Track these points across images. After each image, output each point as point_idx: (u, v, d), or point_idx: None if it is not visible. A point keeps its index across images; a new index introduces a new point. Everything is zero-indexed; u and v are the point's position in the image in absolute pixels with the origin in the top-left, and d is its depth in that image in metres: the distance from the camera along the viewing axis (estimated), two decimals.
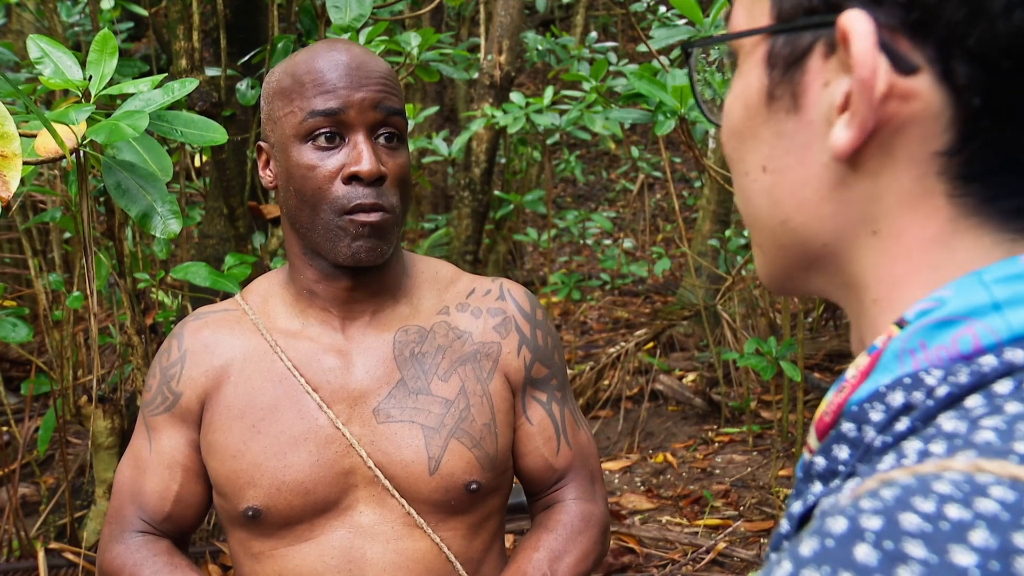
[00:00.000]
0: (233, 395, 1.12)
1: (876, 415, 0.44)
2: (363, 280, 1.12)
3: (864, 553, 0.34)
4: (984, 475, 0.35)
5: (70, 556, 2.44)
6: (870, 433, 0.44)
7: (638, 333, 4.27)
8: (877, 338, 0.47)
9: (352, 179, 1.04)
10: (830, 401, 0.48)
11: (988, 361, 0.42)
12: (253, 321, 1.15)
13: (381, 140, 1.07)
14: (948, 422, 0.40)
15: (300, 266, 1.13)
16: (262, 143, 1.13)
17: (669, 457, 3.59)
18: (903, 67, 0.43)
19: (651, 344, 4.37)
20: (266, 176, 1.13)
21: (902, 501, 0.35)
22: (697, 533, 2.94)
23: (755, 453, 3.56)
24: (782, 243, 0.52)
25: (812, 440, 0.50)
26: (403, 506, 1.09)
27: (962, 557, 0.33)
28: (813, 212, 0.49)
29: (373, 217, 1.04)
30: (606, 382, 4.04)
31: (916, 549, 0.33)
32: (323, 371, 1.11)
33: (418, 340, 1.14)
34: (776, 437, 3.50)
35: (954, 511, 0.34)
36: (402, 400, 1.11)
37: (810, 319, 4.49)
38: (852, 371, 0.47)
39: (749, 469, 3.41)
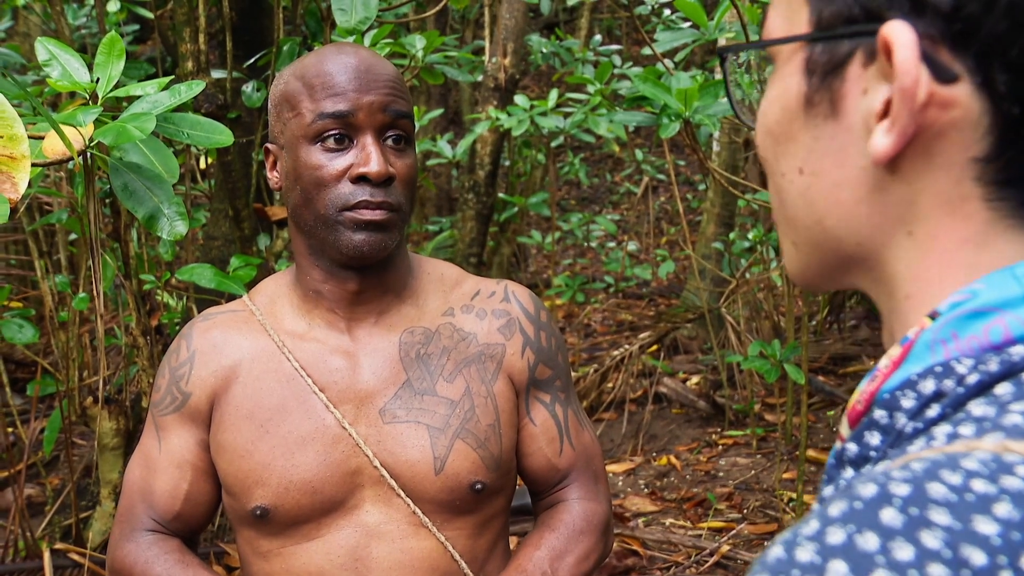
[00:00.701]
0: (242, 395, 1.13)
1: (907, 402, 0.45)
2: (369, 281, 1.12)
3: (890, 516, 0.35)
4: (1011, 455, 0.37)
5: (75, 557, 2.45)
6: (901, 420, 0.45)
7: (642, 336, 4.27)
8: (910, 330, 0.48)
9: (360, 179, 1.05)
10: (863, 390, 0.49)
11: (1018, 351, 0.43)
12: (260, 322, 1.16)
13: (389, 142, 1.08)
14: (978, 408, 0.41)
15: (306, 267, 1.14)
16: (269, 145, 1.14)
17: (673, 460, 3.59)
18: (943, 76, 0.44)
19: (655, 347, 4.37)
20: (273, 177, 1.14)
21: (931, 473, 0.37)
22: (701, 536, 2.94)
23: (759, 456, 3.55)
24: (817, 242, 0.53)
25: (844, 428, 0.51)
26: (409, 506, 1.10)
27: (985, 526, 0.34)
28: (849, 213, 0.50)
29: (378, 215, 1.05)
30: (610, 384, 4.04)
31: (941, 516, 0.35)
32: (330, 372, 1.12)
33: (423, 341, 1.15)
34: (780, 440, 3.50)
35: (980, 485, 0.35)
36: (408, 401, 1.12)
37: (814, 322, 4.49)
38: (885, 361, 0.48)
39: (753, 472, 3.41)
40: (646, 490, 3.38)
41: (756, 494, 3.25)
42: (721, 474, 3.44)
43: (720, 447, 3.67)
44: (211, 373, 1.15)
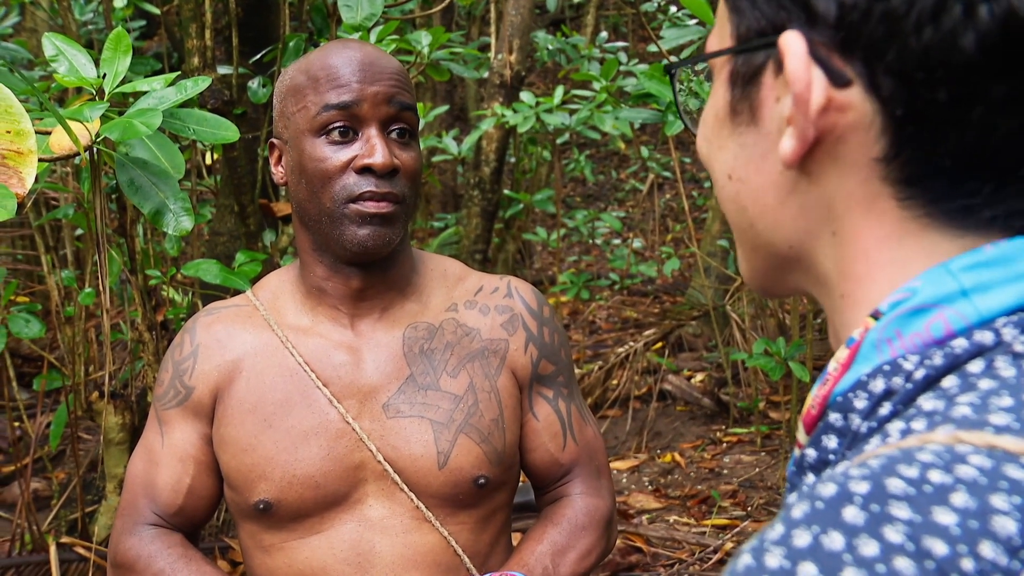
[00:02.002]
0: (245, 389, 1.13)
1: (860, 403, 0.47)
2: (373, 277, 1.13)
3: (852, 514, 0.36)
4: (963, 445, 0.38)
5: (81, 551, 2.46)
6: (856, 420, 0.46)
7: (647, 333, 4.27)
8: (853, 331, 0.50)
9: (365, 170, 1.05)
10: (815, 394, 0.50)
11: (960, 344, 0.44)
12: (264, 317, 1.17)
13: (393, 135, 1.08)
14: (927, 402, 0.43)
15: (310, 263, 1.14)
16: (274, 140, 1.14)
17: (677, 457, 3.59)
18: (837, 80, 0.47)
19: (660, 344, 4.37)
20: (277, 172, 1.14)
21: (888, 468, 0.38)
22: (705, 533, 2.94)
23: (763, 454, 3.55)
24: (754, 245, 0.56)
25: (801, 435, 0.52)
26: (412, 500, 1.11)
27: (944, 517, 0.35)
28: (775, 217, 0.53)
29: (383, 207, 1.05)
30: (615, 382, 4.04)
31: (901, 510, 0.36)
32: (333, 367, 1.13)
33: (427, 336, 1.15)
34: (784, 438, 3.50)
35: (936, 476, 0.36)
36: (412, 395, 1.12)
37: (819, 320, 4.48)
38: (833, 364, 0.50)
39: (757, 469, 3.41)
40: (650, 487, 3.38)
41: (760, 492, 3.25)
42: (725, 471, 3.44)
43: (724, 444, 3.67)
44: (215, 367, 1.15)
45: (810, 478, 0.49)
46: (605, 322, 5.65)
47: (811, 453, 0.49)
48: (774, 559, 0.36)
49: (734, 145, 0.54)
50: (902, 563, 0.34)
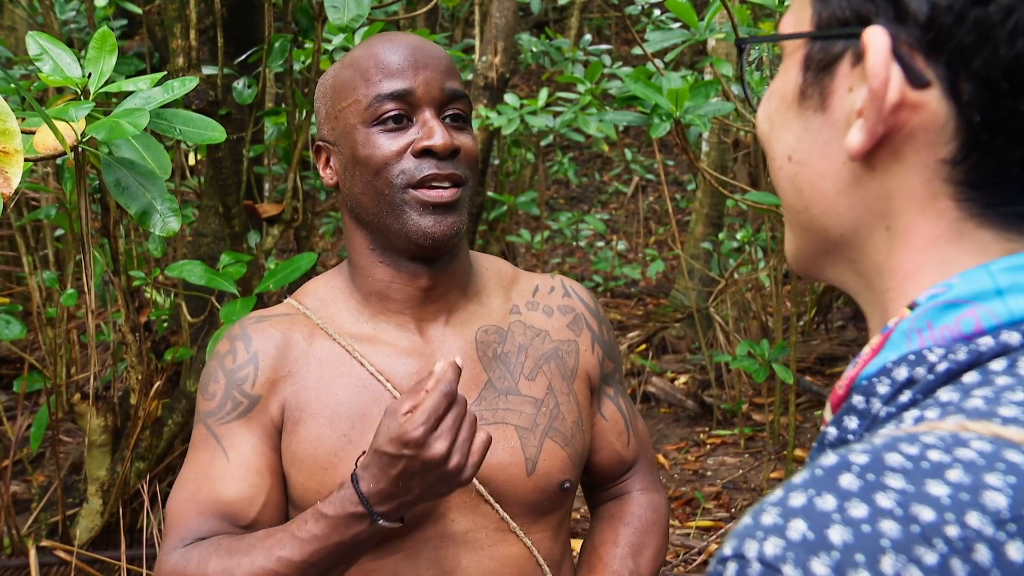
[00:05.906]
0: (316, 403, 1.05)
1: (883, 388, 0.48)
2: (439, 275, 1.06)
3: (848, 481, 0.38)
4: (967, 432, 0.39)
5: (62, 554, 2.43)
6: (876, 404, 0.48)
7: (631, 335, 4.28)
8: (891, 320, 0.51)
9: (423, 153, 1.00)
10: (845, 375, 0.52)
11: (986, 341, 0.46)
12: (320, 326, 1.08)
13: (447, 120, 1.03)
14: (945, 394, 0.44)
15: (367, 266, 1.07)
16: (320, 142, 1.08)
17: (661, 459, 3.60)
18: (916, 81, 0.47)
19: (643, 346, 4.38)
20: (327, 175, 1.08)
21: (889, 445, 0.40)
22: (689, 535, 2.95)
23: (747, 455, 3.57)
24: (806, 227, 0.56)
25: (827, 414, 0.54)
26: (497, 511, 1.05)
27: (936, 489, 0.37)
28: (830, 204, 0.54)
29: (446, 195, 1.00)
30: None
31: (895, 480, 0.37)
32: (408, 376, 1.05)
33: (499, 340, 1.10)
34: (768, 440, 3.52)
35: (935, 455, 0.38)
36: (492, 401, 1.07)
37: (802, 322, 4.51)
38: (866, 349, 0.51)
39: (741, 471, 3.42)
40: None
41: (744, 493, 3.27)
42: (709, 473, 3.46)
43: (708, 446, 3.69)
44: (281, 377, 1.05)
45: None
46: None
47: (832, 432, 0.50)
48: (769, 517, 0.39)
49: (798, 127, 0.54)
50: (887, 525, 0.36)
